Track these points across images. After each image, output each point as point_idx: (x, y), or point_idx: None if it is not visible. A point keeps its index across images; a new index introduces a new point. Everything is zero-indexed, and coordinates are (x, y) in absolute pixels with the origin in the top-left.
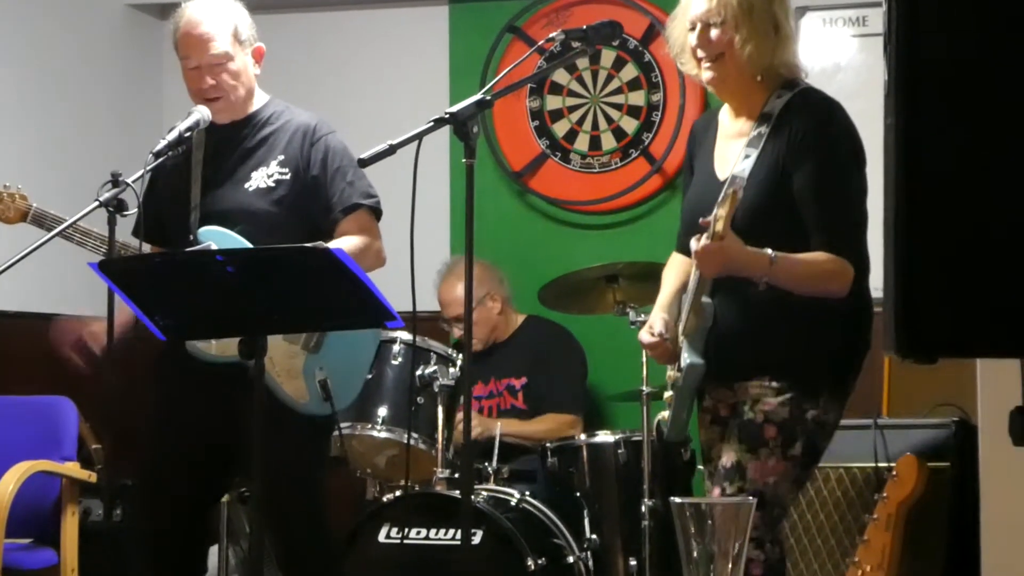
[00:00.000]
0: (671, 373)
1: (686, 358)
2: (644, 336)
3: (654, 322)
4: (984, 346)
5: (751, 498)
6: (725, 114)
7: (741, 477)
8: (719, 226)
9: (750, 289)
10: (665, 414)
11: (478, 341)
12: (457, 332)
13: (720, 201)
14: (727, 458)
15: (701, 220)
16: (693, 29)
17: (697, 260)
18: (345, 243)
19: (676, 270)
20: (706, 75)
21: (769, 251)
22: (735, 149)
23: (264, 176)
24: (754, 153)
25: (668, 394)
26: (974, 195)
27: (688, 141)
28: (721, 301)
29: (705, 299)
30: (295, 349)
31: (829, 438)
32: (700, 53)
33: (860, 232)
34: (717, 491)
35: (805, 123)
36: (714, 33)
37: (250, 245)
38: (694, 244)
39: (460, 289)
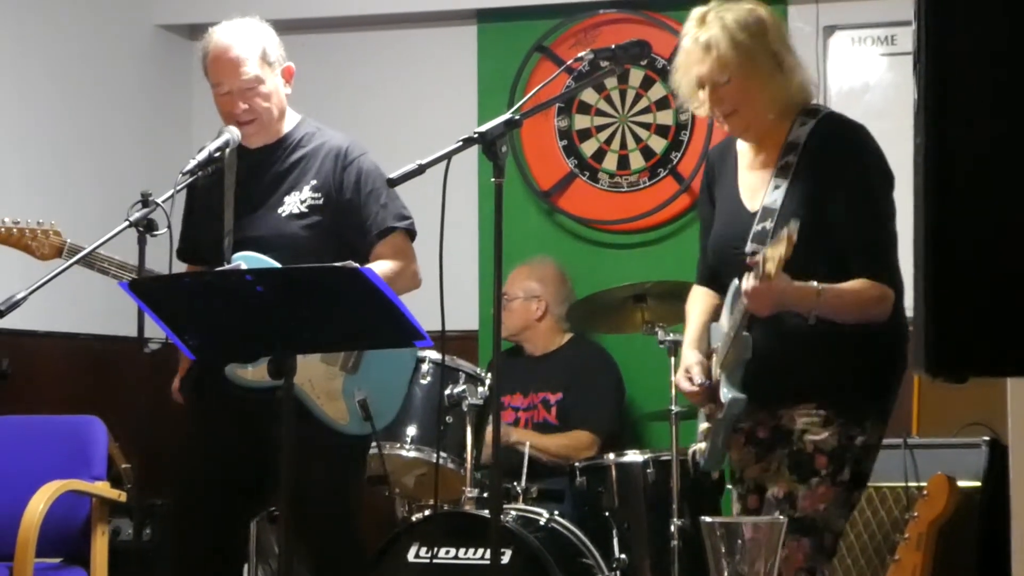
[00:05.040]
0: (706, 408)
1: (726, 393)
2: (684, 384)
3: (691, 368)
4: (1015, 365)
5: (782, 517)
6: (744, 143)
7: (792, 506)
8: (770, 267)
9: (789, 318)
10: (701, 446)
11: (505, 329)
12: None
13: (773, 243)
14: (778, 488)
15: (749, 260)
16: (702, 88)
17: (748, 300)
18: (379, 267)
19: (700, 304)
20: (726, 127)
21: (815, 283)
22: (761, 179)
23: (297, 201)
24: (784, 184)
25: (704, 426)
26: (1005, 214)
27: (704, 172)
28: (758, 332)
29: (744, 332)
30: (334, 371)
31: (874, 460)
32: (716, 112)
33: (895, 254)
34: None
35: (836, 151)
36: (724, 91)
37: None
38: (745, 284)
39: (525, 276)
